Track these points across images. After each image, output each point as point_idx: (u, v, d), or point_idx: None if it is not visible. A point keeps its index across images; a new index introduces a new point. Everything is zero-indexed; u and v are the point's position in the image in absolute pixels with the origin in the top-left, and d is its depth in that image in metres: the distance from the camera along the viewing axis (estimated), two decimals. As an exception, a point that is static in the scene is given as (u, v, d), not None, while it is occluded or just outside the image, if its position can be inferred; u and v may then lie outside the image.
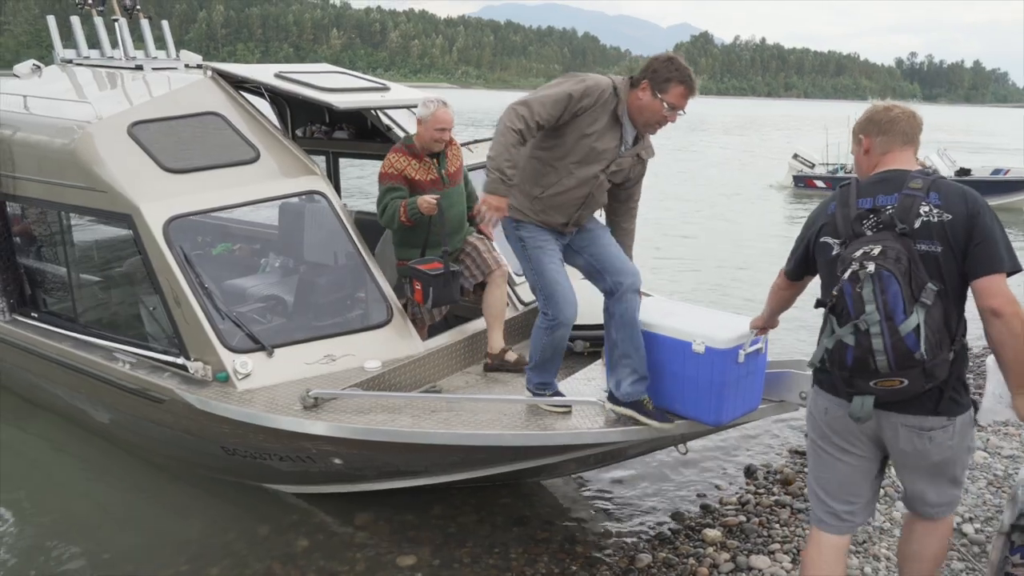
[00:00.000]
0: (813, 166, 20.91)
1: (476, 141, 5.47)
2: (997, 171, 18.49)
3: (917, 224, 2.40)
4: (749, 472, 4.93)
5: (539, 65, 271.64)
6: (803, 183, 20.54)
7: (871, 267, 2.33)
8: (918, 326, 2.29)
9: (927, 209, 2.41)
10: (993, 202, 19.47)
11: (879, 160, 2.62)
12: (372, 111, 5.44)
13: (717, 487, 4.74)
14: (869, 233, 2.45)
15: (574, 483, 4.73)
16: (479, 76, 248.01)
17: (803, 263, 2.78)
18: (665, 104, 3.17)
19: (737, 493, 4.64)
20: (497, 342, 4.33)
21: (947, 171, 18.58)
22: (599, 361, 4.14)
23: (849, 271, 2.39)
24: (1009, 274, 2.39)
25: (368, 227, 5.80)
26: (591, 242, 3.49)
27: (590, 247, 3.49)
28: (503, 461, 3.78)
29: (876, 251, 2.36)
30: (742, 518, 4.24)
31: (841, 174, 20.28)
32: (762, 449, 5.31)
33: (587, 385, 3.95)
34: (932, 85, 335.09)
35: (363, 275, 4.44)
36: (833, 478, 2.71)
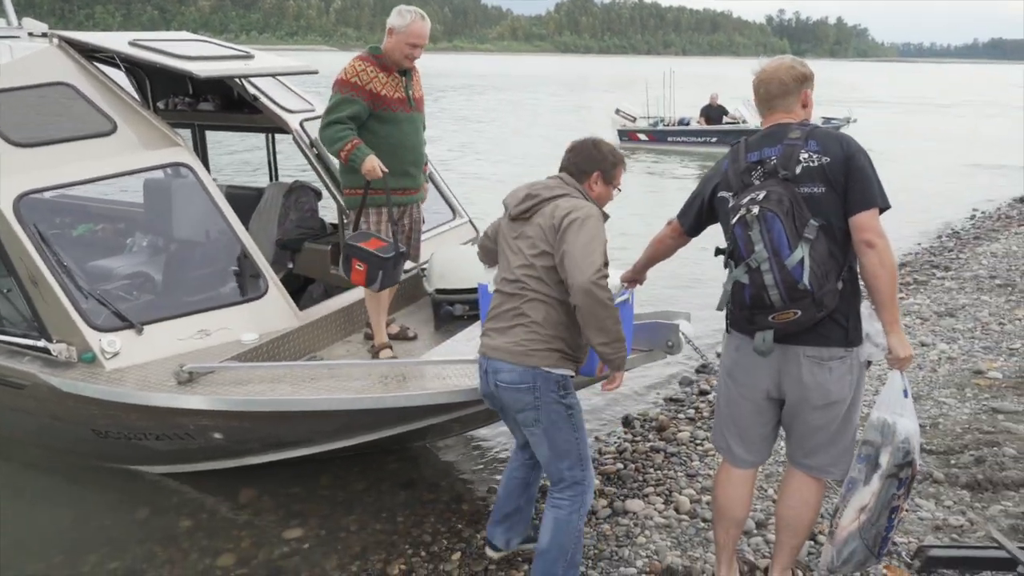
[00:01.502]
0: (635, 120, 21.74)
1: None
2: None
3: (798, 170, 2.61)
4: (626, 422, 5.16)
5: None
6: (627, 137, 21.22)
7: (756, 210, 2.54)
8: (802, 259, 2.49)
9: (807, 155, 2.62)
10: None
11: (764, 119, 2.85)
12: (237, 80, 5.26)
13: (596, 438, 4.94)
14: (757, 183, 2.67)
15: (462, 443, 4.83)
16: (359, 38, 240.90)
17: (700, 218, 2.97)
18: (615, 189, 3.20)
19: (615, 442, 4.85)
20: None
21: (754, 120, 20.22)
22: (478, 323, 4.22)
23: (737, 216, 2.60)
24: (881, 211, 2.60)
25: (240, 201, 5.65)
26: None
27: None
28: (386, 425, 3.82)
29: (761, 196, 2.56)
30: (619, 466, 4.45)
31: (661, 127, 21.37)
32: (639, 399, 5.56)
33: (467, 345, 4.02)
34: (800, 41, 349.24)
35: (236, 249, 4.33)
36: (738, 416, 2.93)
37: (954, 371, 5.63)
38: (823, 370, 2.69)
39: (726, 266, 2.72)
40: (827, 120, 20.31)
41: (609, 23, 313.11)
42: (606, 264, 2.83)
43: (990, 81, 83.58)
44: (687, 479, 4.26)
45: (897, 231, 10.47)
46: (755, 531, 3.65)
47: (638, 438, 4.87)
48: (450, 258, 4.59)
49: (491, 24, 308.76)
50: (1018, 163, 18.27)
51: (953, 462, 4.21)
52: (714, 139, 20.55)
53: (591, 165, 3.11)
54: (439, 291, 4.53)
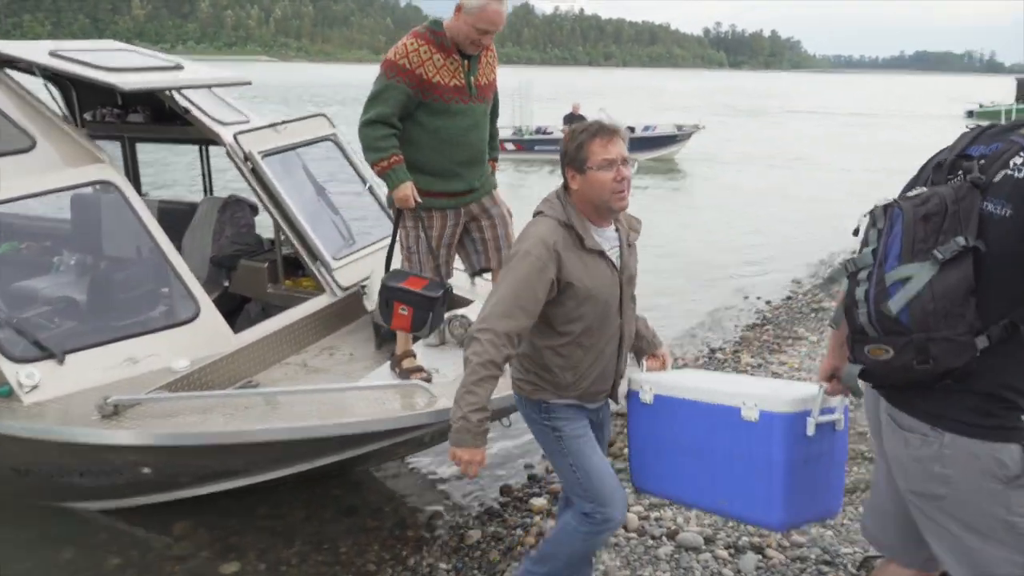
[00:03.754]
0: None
1: (285, 122, 5.23)
2: (647, 127, 21.07)
3: (998, 177, 1.79)
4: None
5: (362, 36, 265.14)
6: None
7: (885, 201, 1.91)
8: (908, 279, 1.79)
9: (1019, 161, 1.78)
10: (646, 155, 19.07)
11: None
12: (166, 92, 5.07)
13: (543, 455, 4.86)
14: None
15: (405, 467, 4.71)
16: (299, 48, 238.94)
17: None
18: (600, 171, 2.48)
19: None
20: None
21: None
22: (421, 343, 4.12)
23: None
24: None
25: (174, 216, 5.46)
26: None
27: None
28: (326, 453, 3.69)
29: (913, 192, 1.90)
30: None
31: (527, 136, 21.86)
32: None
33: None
34: (736, 53, 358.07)
35: (165, 270, 4.17)
36: (874, 483, 2.30)
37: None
38: (897, 438, 1.97)
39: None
40: (679, 127, 21.03)
41: (551, 35, 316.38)
42: (506, 318, 2.42)
43: (910, 91, 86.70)
44: (634, 496, 4.20)
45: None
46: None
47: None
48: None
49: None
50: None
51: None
52: None
53: (562, 162, 2.61)
54: (381, 310, 4.41)
